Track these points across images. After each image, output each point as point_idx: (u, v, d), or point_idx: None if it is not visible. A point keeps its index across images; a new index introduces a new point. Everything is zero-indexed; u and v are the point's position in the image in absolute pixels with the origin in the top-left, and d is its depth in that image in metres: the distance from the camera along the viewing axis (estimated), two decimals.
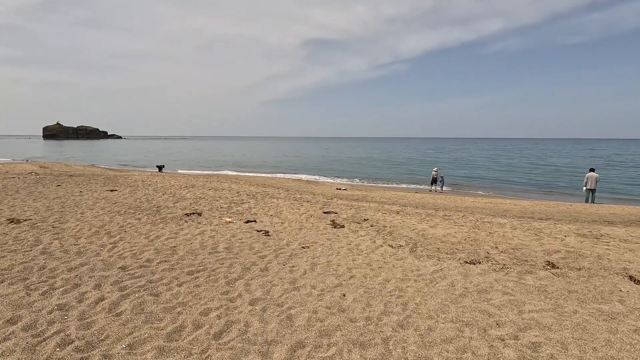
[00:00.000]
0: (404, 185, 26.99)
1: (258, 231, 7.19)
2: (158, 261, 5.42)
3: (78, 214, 8.27)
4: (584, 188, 18.02)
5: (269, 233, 7.09)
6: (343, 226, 7.65)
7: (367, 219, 8.34)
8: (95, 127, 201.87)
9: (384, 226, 7.69)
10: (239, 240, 6.55)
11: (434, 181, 23.11)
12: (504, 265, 5.38)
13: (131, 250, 5.86)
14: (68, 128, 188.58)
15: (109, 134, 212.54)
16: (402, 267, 5.34)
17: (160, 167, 30.87)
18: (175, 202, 9.97)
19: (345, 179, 31.30)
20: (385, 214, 9.24)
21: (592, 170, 17.95)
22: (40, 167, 29.96)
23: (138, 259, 5.48)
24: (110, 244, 6.21)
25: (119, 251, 5.83)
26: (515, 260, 5.58)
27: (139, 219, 8.03)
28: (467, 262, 5.47)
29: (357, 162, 49.85)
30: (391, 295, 4.37)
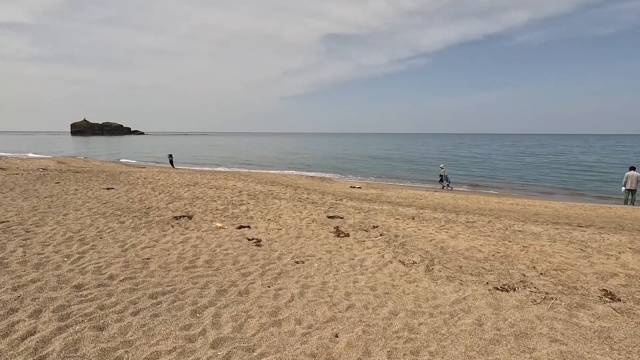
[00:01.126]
0: (419, 184, 25.60)
1: (249, 239, 6.27)
2: (122, 278, 4.58)
3: (60, 216, 7.61)
4: (623, 188, 16.28)
5: (261, 242, 6.15)
6: (348, 235, 6.62)
7: (377, 226, 7.26)
8: (119, 123, 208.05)
9: (396, 236, 6.60)
10: (224, 252, 5.64)
11: (442, 179, 22.66)
12: (547, 293, 4.22)
13: (97, 263, 5.06)
14: (94, 124, 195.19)
15: (132, 129, 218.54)
16: (415, 293, 4.28)
17: (171, 160, 30.70)
18: (169, 203, 9.21)
19: (360, 177, 30.14)
20: (399, 219, 8.13)
21: (632, 168, 16.14)
22: (59, 162, 30.29)
23: (100, 275, 4.66)
24: (78, 253, 5.44)
25: (83, 263, 5.04)
26: (560, 287, 4.40)
27: (123, 222, 7.28)
28: (497, 289, 4.35)
29: (373, 159, 48.45)
30: (398, 338, 3.33)
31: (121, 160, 41.25)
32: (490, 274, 4.82)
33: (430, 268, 5.05)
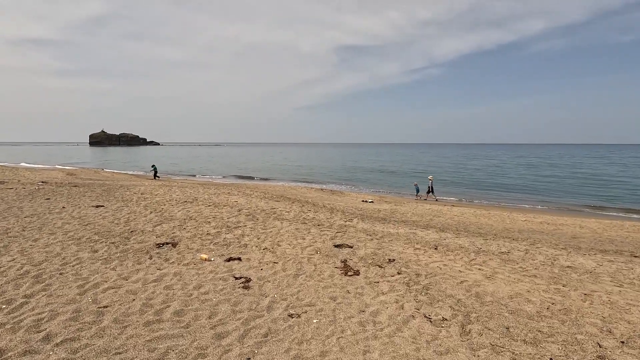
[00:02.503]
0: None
1: (236, 278, 5.14)
2: (60, 339, 3.50)
3: (29, 242, 6.67)
4: None
5: (251, 282, 5.01)
6: (358, 272, 5.41)
7: (393, 260, 6.03)
8: (136, 134, 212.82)
9: (417, 274, 5.36)
10: (202, 297, 4.52)
11: (430, 190, 23.10)
12: None
13: (40, 314, 4.01)
14: (111, 135, 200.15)
15: (148, 140, 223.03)
16: None
17: (155, 171, 30.34)
18: (157, 225, 8.19)
19: (373, 189, 28.86)
20: (419, 249, 6.87)
21: None
22: (68, 174, 30.12)
23: (35, 333, 3.60)
24: (24, 297, 4.41)
25: (22, 314, 4.00)
26: None
27: (96, 251, 6.27)
28: None
29: (387, 170, 47.06)
30: None
31: (105, 169, 40.75)
32: (552, 342, 3.53)
33: (467, 329, 3.80)
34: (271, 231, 7.88)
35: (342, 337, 3.65)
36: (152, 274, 5.28)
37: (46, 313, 4.03)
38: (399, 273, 5.37)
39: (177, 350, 3.39)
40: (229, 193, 15.49)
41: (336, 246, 6.75)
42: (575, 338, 3.61)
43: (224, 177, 37.71)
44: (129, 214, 9.39)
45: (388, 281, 5.08)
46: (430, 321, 3.96)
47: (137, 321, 3.91)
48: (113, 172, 36.83)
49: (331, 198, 20.35)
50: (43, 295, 4.49)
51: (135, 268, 5.51)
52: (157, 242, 6.82)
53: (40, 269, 5.35)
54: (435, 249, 6.91)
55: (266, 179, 35.37)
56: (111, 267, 5.54)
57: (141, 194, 13.15)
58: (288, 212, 10.88)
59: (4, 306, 4.19)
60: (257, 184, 27.56)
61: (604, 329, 3.80)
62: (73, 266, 5.52)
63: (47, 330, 3.67)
